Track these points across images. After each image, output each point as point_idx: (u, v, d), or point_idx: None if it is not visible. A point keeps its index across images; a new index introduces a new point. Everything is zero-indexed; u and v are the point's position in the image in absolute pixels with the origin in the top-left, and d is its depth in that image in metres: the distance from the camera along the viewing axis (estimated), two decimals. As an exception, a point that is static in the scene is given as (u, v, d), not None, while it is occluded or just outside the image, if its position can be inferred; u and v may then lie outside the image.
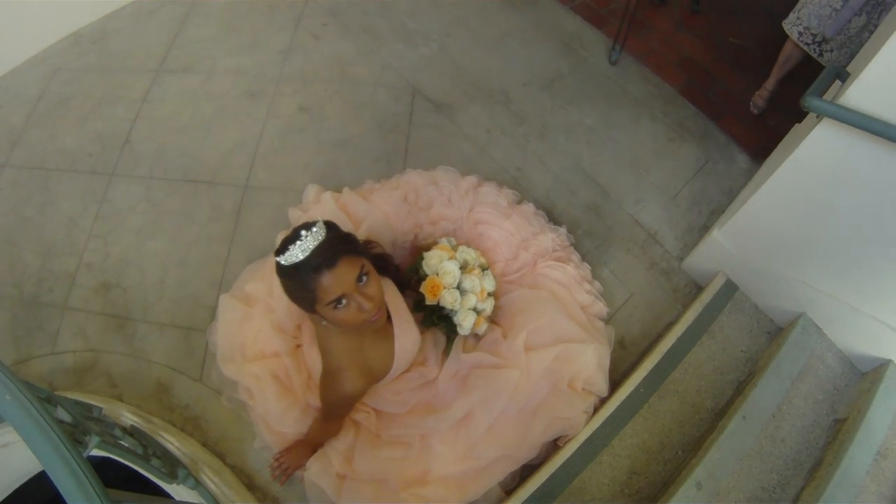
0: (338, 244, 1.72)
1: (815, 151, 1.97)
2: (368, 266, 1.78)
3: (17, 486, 2.53)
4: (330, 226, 1.78)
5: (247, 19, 3.57)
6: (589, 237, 2.89)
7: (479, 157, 3.11)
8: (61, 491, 1.27)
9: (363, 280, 1.74)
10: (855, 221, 2.04)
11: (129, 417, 2.30)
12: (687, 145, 3.21)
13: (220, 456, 2.36)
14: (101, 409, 2.03)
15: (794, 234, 2.27)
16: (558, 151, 3.15)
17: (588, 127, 3.24)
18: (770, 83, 3.26)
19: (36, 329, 2.64)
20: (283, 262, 1.71)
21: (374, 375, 2.04)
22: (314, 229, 1.71)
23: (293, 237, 1.70)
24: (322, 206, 2.55)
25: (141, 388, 2.50)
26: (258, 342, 2.32)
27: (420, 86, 3.34)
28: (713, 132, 3.27)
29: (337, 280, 1.68)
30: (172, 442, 2.27)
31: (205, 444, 2.38)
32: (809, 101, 1.76)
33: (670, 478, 2.27)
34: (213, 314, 2.50)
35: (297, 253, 1.68)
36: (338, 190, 2.71)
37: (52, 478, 1.27)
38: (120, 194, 2.96)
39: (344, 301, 1.71)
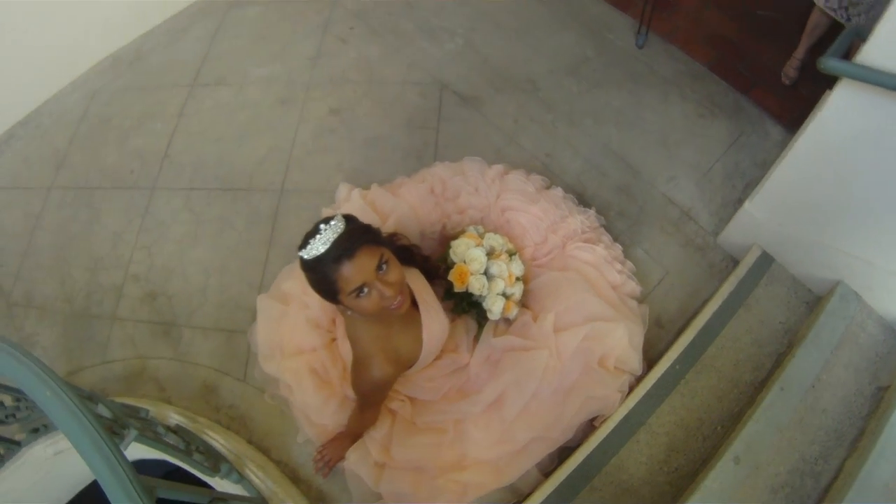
0: (356, 235, 1.77)
1: (837, 114, 1.93)
2: (388, 254, 1.81)
3: (73, 493, 2.64)
4: (348, 218, 1.83)
5: (276, 28, 3.67)
6: (621, 218, 2.87)
7: (509, 146, 3.12)
8: (97, 477, 1.33)
9: (383, 268, 1.78)
10: (883, 182, 1.99)
11: (175, 418, 2.39)
12: (718, 121, 3.15)
13: (266, 451, 2.43)
14: (147, 410, 2.13)
15: (824, 200, 2.23)
16: (587, 135, 3.14)
17: (616, 109, 3.22)
18: (800, 52, 3.18)
19: (87, 340, 2.77)
20: (305, 256, 1.76)
21: (403, 362, 2.08)
22: (333, 222, 1.76)
23: (313, 231, 1.76)
24: (351, 203, 2.60)
25: (188, 391, 2.60)
26: (295, 338, 2.38)
27: (447, 81, 3.37)
28: (745, 106, 3.20)
29: (357, 269, 1.73)
30: (217, 439, 2.34)
31: (250, 441, 2.46)
32: (825, 62, 1.74)
33: (710, 454, 2.24)
34: (253, 316, 2.57)
35: (318, 246, 1.73)
36: (368, 187, 2.76)
37: (88, 465, 1.33)
38: (161, 206, 3.08)
39: (366, 289, 1.75)
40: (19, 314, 2.87)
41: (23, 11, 3.14)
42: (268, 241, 2.90)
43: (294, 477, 2.38)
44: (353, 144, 3.16)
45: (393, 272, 1.80)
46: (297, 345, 2.38)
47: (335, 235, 1.74)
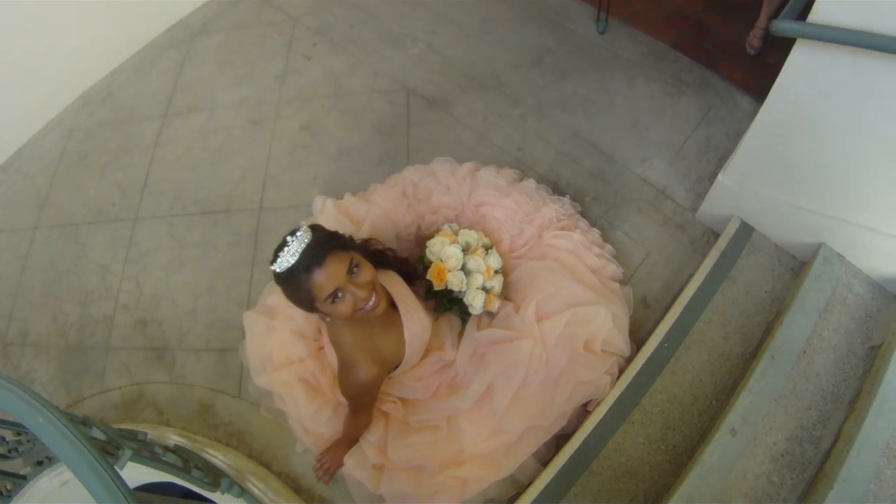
0: (323, 242, 1.81)
1: (796, 76, 1.95)
2: (357, 257, 1.85)
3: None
4: (314, 227, 1.86)
5: (241, 52, 3.70)
6: (597, 203, 2.90)
7: (480, 144, 3.15)
8: (93, 496, 1.37)
9: (354, 271, 1.82)
10: (849, 139, 2.01)
11: (174, 438, 2.41)
12: (686, 98, 3.18)
13: (266, 464, 2.45)
14: (146, 433, 2.15)
15: (795, 163, 2.24)
16: (557, 125, 3.17)
17: (583, 97, 3.24)
18: (762, 21, 3.20)
19: (83, 372, 2.79)
20: (277, 270, 1.81)
21: (388, 362, 2.10)
22: (299, 233, 1.80)
23: (281, 245, 1.81)
24: (326, 214, 2.62)
25: (185, 412, 2.62)
26: (283, 350, 2.40)
27: (413, 85, 3.40)
28: (711, 80, 3.23)
29: (328, 275, 1.77)
30: (217, 456, 2.36)
31: (250, 455, 2.48)
32: (777, 25, 1.75)
33: (706, 428, 2.26)
34: (243, 333, 2.57)
35: (288, 258, 1.78)
36: (342, 197, 2.78)
37: (84, 485, 1.37)
38: (145, 236, 3.10)
39: (340, 294, 1.79)
40: (15, 353, 2.89)
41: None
42: (251, 259, 2.93)
43: (296, 487, 2.40)
44: (326, 157, 3.19)
45: (364, 273, 1.84)
46: (285, 356, 2.39)
47: (303, 246, 1.78)
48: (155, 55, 3.79)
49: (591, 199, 2.91)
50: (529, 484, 2.23)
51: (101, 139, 3.47)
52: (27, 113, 3.53)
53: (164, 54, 3.78)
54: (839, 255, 2.47)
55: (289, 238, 1.80)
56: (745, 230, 2.64)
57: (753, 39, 3.27)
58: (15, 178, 3.43)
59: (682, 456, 2.23)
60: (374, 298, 1.86)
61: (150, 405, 2.66)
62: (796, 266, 2.58)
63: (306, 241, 1.79)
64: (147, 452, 1.88)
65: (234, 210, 3.10)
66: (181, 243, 3.04)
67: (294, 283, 1.80)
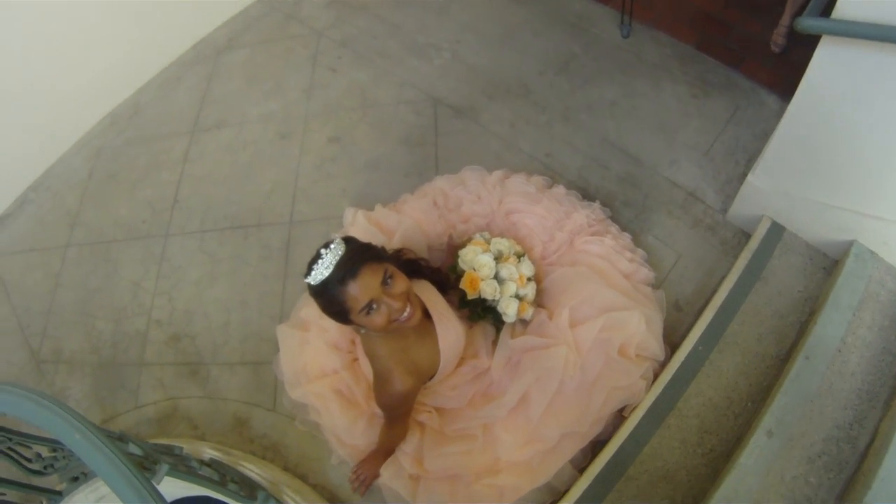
0: (357, 254, 1.82)
1: (823, 73, 1.93)
2: (392, 269, 1.86)
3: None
4: (348, 240, 1.88)
5: (267, 67, 3.73)
6: (627, 207, 2.89)
7: (508, 151, 3.15)
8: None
9: (388, 283, 1.83)
10: (878, 135, 1.98)
11: (209, 452, 2.42)
12: (712, 99, 3.16)
13: (302, 477, 2.47)
14: (181, 447, 2.16)
15: (824, 161, 2.22)
16: (584, 130, 3.16)
17: (610, 101, 3.24)
18: (786, 19, 3.17)
19: (118, 388, 2.81)
20: (311, 283, 1.82)
21: (423, 373, 2.11)
22: (332, 246, 1.81)
23: (315, 258, 1.82)
24: (357, 225, 2.64)
25: (220, 426, 2.64)
26: (317, 362, 2.42)
27: (439, 95, 3.41)
28: (737, 80, 3.21)
29: (363, 287, 1.78)
30: (253, 469, 2.37)
31: (286, 468, 2.49)
32: (802, 22, 1.75)
33: (742, 431, 2.23)
34: (276, 346, 2.59)
35: (322, 271, 1.79)
36: (372, 209, 2.79)
37: (122, 500, 1.37)
38: (176, 251, 3.13)
39: (374, 306, 1.80)
40: (49, 370, 2.92)
41: (22, 79, 3.23)
42: (282, 272, 2.95)
43: (333, 499, 2.41)
44: (354, 169, 3.21)
45: (398, 284, 1.84)
46: (319, 368, 2.41)
47: (337, 258, 1.79)
48: (181, 72, 3.83)
49: (621, 203, 2.90)
50: (566, 491, 2.22)
51: (130, 157, 3.52)
52: (56, 133, 3.58)
53: (190, 70, 3.82)
54: (871, 252, 2.43)
55: (322, 251, 1.81)
56: (777, 230, 2.61)
57: (778, 37, 3.23)
58: (45, 198, 3.48)
59: (718, 459, 2.21)
60: (408, 309, 1.87)
61: (185, 420, 2.68)
62: (828, 265, 2.55)
63: (340, 253, 1.80)
64: (183, 467, 1.89)
65: (264, 224, 3.12)
66: (213, 258, 3.07)
67: (329, 296, 1.81)
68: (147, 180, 3.41)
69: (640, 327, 2.29)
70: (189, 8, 3.79)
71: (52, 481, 2.20)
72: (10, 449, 1.92)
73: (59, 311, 3.09)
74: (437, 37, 3.67)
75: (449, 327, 2.13)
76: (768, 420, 2.12)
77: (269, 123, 3.48)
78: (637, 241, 2.74)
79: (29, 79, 3.25)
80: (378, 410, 2.25)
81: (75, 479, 2.24)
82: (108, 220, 3.31)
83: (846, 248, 2.46)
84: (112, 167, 3.50)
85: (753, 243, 2.60)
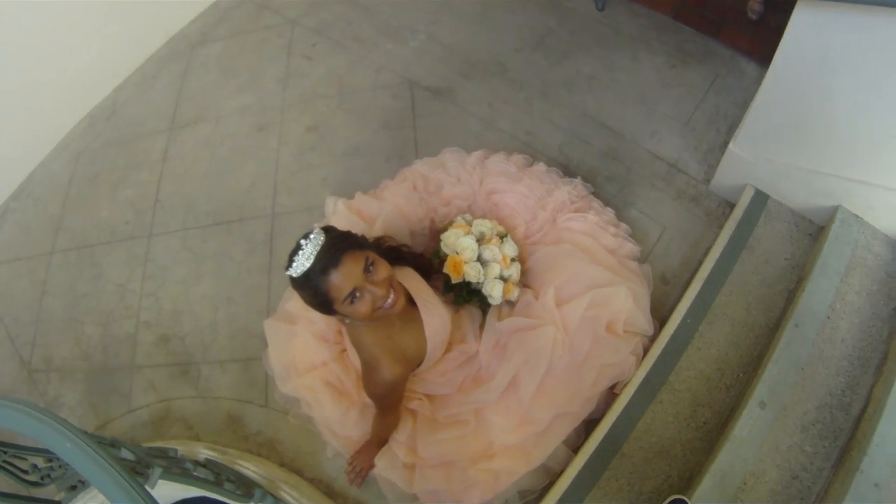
0: (338, 243, 1.81)
1: (799, 37, 1.91)
2: (373, 256, 1.85)
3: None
4: (328, 229, 1.86)
5: (241, 59, 3.69)
6: (610, 182, 2.87)
7: (487, 131, 3.13)
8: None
9: (370, 270, 1.81)
10: (858, 98, 1.97)
11: (204, 453, 2.42)
12: (691, 68, 3.13)
13: (298, 472, 2.46)
14: (176, 450, 2.16)
15: (805, 126, 2.20)
16: (563, 106, 3.13)
17: (588, 75, 3.20)
18: (762, -16, 3.16)
19: (110, 393, 2.80)
20: (293, 274, 1.81)
21: (410, 360, 2.10)
22: (312, 236, 1.79)
23: (295, 249, 1.80)
24: (338, 215, 2.62)
25: (214, 425, 2.63)
26: (306, 355, 2.40)
27: (416, 78, 3.38)
28: (715, 49, 3.18)
29: (345, 276, 1.76)
30: (249, 467, 2.36)
31: (282, 464, 2.49)
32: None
33: (735, 403, 2.24)
34: (265, 342, 2.58)
35: (304, 262, 1.77)
36: (353, 196, 2.77)
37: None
38: (161, 251, 3.11)
39: (358, 294, 1.79)
40: (41, 379, 2.91)
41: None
42: (267, 266, 2.93)
43: (329, 492, 2.41)
44: (334, 157, 3.18)
45: (380, 271, 1.83)
46: (308, 361, 2.40)
47: (317, 248, 1.77)
48: (157, 69, 3.79)
49: (604, 178, 2.88)
50: (562, 471, 2.22)
51: (110, 158, 3.48)
52: (34, 138, 3.54)
53: (165, 67, 3.78)
54: (856, 216, 2.41)
55: (302, 241, 1.79)
56: (761, 198, 2.60)
57: (754, 4, 3.19)
58: (27, 205, 3.45)
59: (712, 432, 2.21)
60: (392, 296, 1.86)
61: (179, 421, 2.68)
62: (814, 231, 2.54)
63: (320, 243, 1.79)
64: (178, 469, 1.88)
65: (246, 218, 3.10)
66: (197, 256, 3.05)
67: (311, 287, 1.80)
68: (128, 181, 3.38)
69: (627, 303, 2.28)
70: (160, 2, 3.74)
71: (50, 491, 2.20)
72: (6, 462, 1.91)
73: (48, 318, 3.07)
74: (411, 19, 3.62)
75: (434, 313, 2.12)
76: (760, 390, 2.12)
77: (247, 116, 3.44)
78: (621, 216, 2.72)
79: (3, 86, 3.21)
80: (369, 400, 2.24)
81: (73, 487, 2.23)
82: (91, 224, 3.29)
83: (831, 213, 2.45)
84: (92, 170, 3.47)
85: (738, 212, 2.59)
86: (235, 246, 3.04)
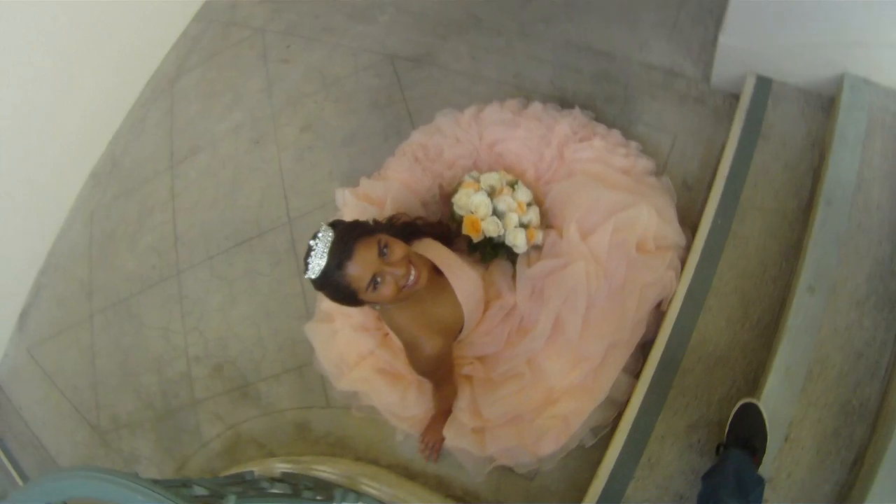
0: (347, 234, 1.80)
1: None
2: (385, 238, 1.83)
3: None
4: (334, 224, 1.86)
5: (221, 80, 3.69)
6: (609, 104, 2.81)
7: (476, 85, 3.09)
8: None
9: (385, 253, 1.80)
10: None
11: (280, 467, 2.47)
12: (666, -30, 3.04)
13: (374, 462, 2.49)
14: (252, 472, 2.20)
15: (791, -1, 2.12)
16: (545, 41, 3.08)
17: (563, 3, 3.13)
18: None
19: (180, 434, 2.87)
20: (312, 276, 1.80)
21: (450, 329, 2.10)
22: (320, 234, 1.79)
23: (308, 251, 1.79)
24: (348, 205, 2.60)
25: (284, 437, 2.68)
26: (352, 349, 2.42)
27: (394, 51, 3.35)
28: (686, -55, 3.08)
29: (362, 264, 1.76)
30: (325, 470, 2.40)
31: (357, 458, 2.52)
32: None
33: (784, 293, 2.18)
34: (311, 345, 2.59)
35: (318, 262, 1.77)
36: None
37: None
38: (192, 285, 3.15)
39: (379, 279, 1.78)
40: (114, 439, 2.99)
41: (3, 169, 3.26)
42: (296, 271, 2.95)
43: (408, 474, 2.43)
44: (334, 150, 3.18)
45: (395, 251, 1.82)
46: (355, 353, 2.41)
47: (328, 245, 1.77)
48: (143, 112, 3.81)
49: (603, 101, 2.83)
50: (628, 400, 2.20)
51: (121, 211, 3.53)
52: (47, 212, 3.61)
53: (151, 108, 3.80)
54: (865, 80, 2.32)
55: (312, 242, 1.79)
56: (764, 83, 2.52)
57: None
58: (57, 277, 3.52)
59: (768, 328, 2.16)
60: (413, 272, 1.84)
61: (251, 443, 2.72)
62: (825, 103, 2.45)
63: (329, 239, 1.78)
64: (253, 491, 1.92)
65: (265, 231, 3.12)
66: (227, 281, 3.08)
67: (333, 284, 1.79)
68: (144, 227, 3.42)
69: (652, 219, 2.24)
70: (131, 48, 3.75)
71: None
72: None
73: (104, 379, 3.15)
74: (375, -5, 3.59)
75: (462, 277, 2.11)
76: (806, 275, 2.06)
77: (240, 134, 3.45)
78: (629, 133, 2.66)
79: (5, 167, 3.26)
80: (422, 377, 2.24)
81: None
82: (121, 278, 3.34)
83: (838, 82, 2.35)
84: (108, 226, 3.52)
85: (744, 102, 2.51)
86: (261, 261, 3.06)
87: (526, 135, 2.53)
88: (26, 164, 3.35)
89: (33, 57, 3.21)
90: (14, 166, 3.28)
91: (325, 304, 2.52)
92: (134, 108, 3.86)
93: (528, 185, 2.40)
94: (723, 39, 2.44)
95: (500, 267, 2.36)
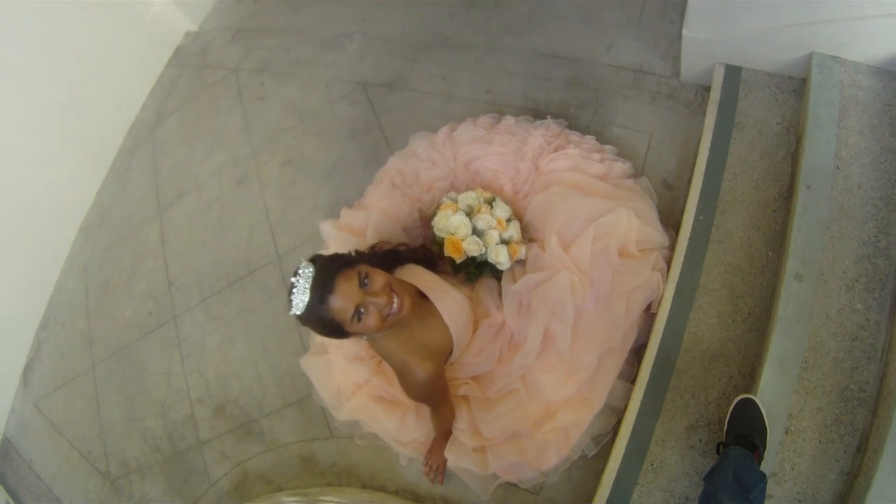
0: (326, 269, 1.81)
1: None
2: (365, 268, 1.84)
3: None
4: (314, 259, 1.87)
5: (200, 123, 3.72)
6: (582, 109, 2.83)
7: (450, 104, 3.11)
8: None
9: (366, 283, 1.81)
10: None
11: (287, 501, 2.48)
12: (626, -30, 3.06)
13: (381, 488, 2.50)
14: (261, 507, 2.20)
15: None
16: (513, 53, 3.11)
17: (526, 14, 3.16)
18: None
19: (189, 475, 2.88)
20: (297, 313, 1.81)
21: (440, 352, 2.10)
22: (300, 271, 1.80)
23: (290, 288, 1.81)
24: (331, 237, 2.62)
25: (291, 471, 2.69)
26: (347, 379, 2.44)
27: (366, 79, 3.37)
28: (643, -58, 3.10)
29: (343, 297, 1.77)
30: (333, 500, 2.43)
31: (363, 486, 2.53)
32: None
33: (772, 284, 2.18)
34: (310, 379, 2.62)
35: (301, 297, 1.79)
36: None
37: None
38: (189, 328, 3.17)
39: (362, 310, 1.79)
40: (124, 485, 3.00)
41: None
42: (289, 307, 2.94)
43: (416, 497, 2.45)
44: (316, 183, 3.20)
45: (376, 281, 1.83)
46: (351, 383, 2.43)
47: (309, 281, 1.78)
48: (127, 162, 3.83)
49: (575, 107, 2.84)
50: (626, 406, 2.20)
51: (114, 260, 3.55)
52: (41, 268, 3.63)
53: (134, 157, 3.82)
54: (833, 57, 2.32)
55: (293, 279, 1.80)
56: (733, 72, 2.53)
57: None
58: (57, 331, 3.54)
59: (760, 320, 2.16)
60: (395, 300, 1.85)
61: (258, 479, 2.73)
62: (797, 86, 2.45)
63: (310, 274, 1.79)
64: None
65: (255, 269, 3.13)
66: (223, 321, 3.10)
67: (317, 318, 1.81)
68: (138, 274, 3.44)
69: (632, 222, 2.24)
70: (108, 101, 3.78)
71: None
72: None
73: (110, 427, 3.15)
74: (342, 24, 3.62)
75: (447, 299, 2.12)
76: (792, 263, 2.06)
77: (223, 174, 3.47)
78: (604, 138, 2.68)
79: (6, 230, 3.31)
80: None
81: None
82: (119, 326, 3.35)
83: (807, 63, 2.36)
84: (102, 277, 3.53)
85: (715, 94, 2.52)
86: (254, 299, 3.07)
87: (500, 150, 2.54)
88: (16, 224, 3.38)
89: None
90: (3, 230, 3.32)
91: (319, 336, 2.52)
92: (117, 158, 3.87)
93: (506, 201, 2.40)
94: (686, 33, 2.45)
95: (486, 285, 2.36)
